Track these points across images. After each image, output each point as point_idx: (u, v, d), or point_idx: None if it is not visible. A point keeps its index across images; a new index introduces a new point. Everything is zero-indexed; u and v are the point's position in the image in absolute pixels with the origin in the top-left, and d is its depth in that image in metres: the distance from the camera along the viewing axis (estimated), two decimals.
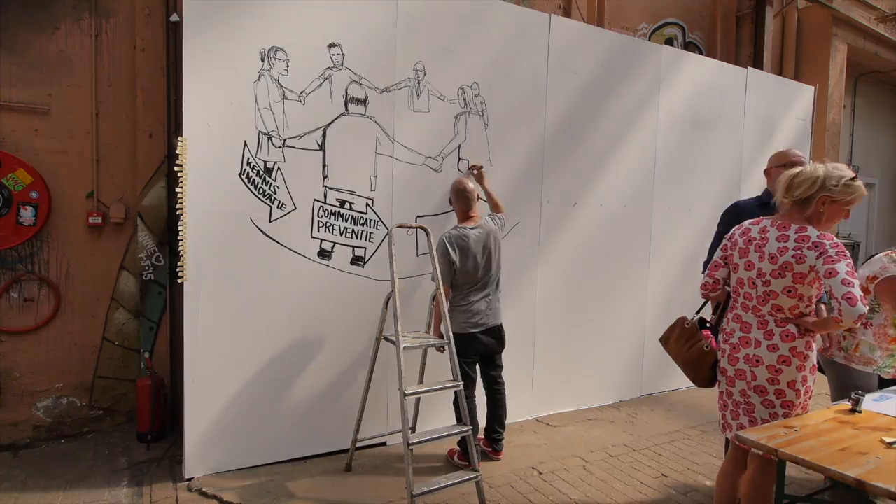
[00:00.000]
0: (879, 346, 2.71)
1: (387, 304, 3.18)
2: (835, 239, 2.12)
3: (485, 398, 3.50)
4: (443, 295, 3.06)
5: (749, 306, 2.31)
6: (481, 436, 3.52)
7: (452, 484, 2.77)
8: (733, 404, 2.36)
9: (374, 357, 3.24)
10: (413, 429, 3.57)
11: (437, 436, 2.87)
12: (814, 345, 2.23)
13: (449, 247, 3.18)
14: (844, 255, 2.07)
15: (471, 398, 3.24)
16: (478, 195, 3.38)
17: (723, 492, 2.44)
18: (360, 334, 3.50)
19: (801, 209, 2.19)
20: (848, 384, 2.74)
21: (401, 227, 3.32)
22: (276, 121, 3.17)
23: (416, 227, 3.48)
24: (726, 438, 2.70)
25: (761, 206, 2.80)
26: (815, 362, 2.26)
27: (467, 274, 3.22)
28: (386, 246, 3.54)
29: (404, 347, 2.86)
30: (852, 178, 2.12)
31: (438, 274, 3.07)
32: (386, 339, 3.15)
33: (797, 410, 2.23)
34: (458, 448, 3.41)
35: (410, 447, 2.70)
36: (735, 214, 2.85)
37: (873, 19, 7.37)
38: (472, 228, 3.25)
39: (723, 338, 2.43)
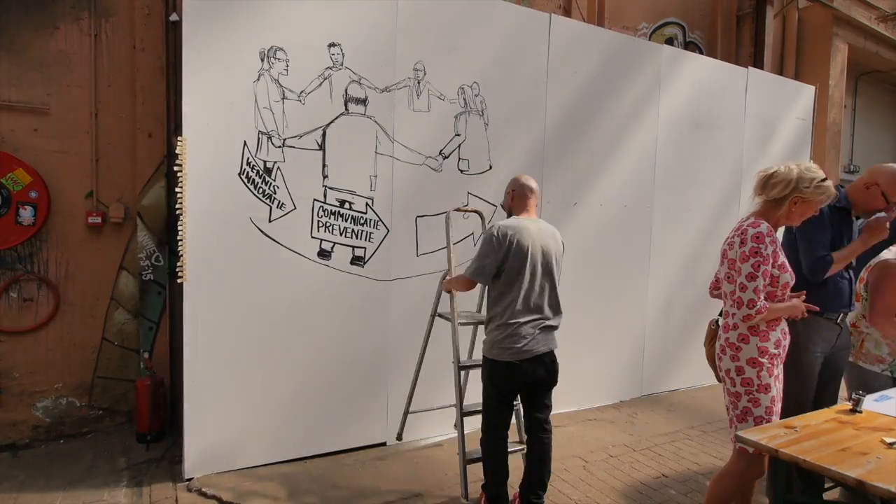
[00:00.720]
0: (885, 341, 2.70)
1: (442, 280, 3.21)
2: (761, 227, 2.19)
3: (525, 447, 2.88)
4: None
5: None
6: (515, 490, 2.83)
7: None
8: None
9: (428, 332, 3.33)
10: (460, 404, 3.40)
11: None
12: (753, 338, 2.22)
13: (499, 235, 2.54)
14: (755, 255, 2.16)
15: (502, 440, 2.67)
16: (540, 198, 3.07)
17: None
18: (361, 334, 3.49)
19: (774, 208, 2.29)
20: (859, 383, 2.73)
21: (458, 210, 3.39)
22: (275, 120, 3.17)
23: (472, 211, 3.47)
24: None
25: (837, 210, 2.66)
26: (758, 355, 2.22)
27: (514, 280, 2.55)
28: (387, 246, 3.54)
29: (459, 323, 2.99)
30: (823, 180, 2.23)
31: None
32: (440, 315, 3.22)
33: (739, 401, 2.25)
34: (484, 494, 2.78)
35: (465, 415, 2.89)
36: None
37: (874, 19, 7.36)
38: (532, 223, 2.66)
39: None
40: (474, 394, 3.62)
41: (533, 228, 2.63)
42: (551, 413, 2.80)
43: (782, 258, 2.25)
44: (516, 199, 2.76)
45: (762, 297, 2.18)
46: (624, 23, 5.71)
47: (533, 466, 2.73)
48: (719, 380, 2.49)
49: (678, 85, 4.74)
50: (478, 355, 3.10)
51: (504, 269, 2.55)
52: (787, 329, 2.33)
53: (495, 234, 2.55)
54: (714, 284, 2.57)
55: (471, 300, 3.50)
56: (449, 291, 2.97)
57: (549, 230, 2.73)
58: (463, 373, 3.13)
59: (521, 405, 2.96)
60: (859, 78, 8.04)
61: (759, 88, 5.29)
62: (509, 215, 2.80)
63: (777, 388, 2.27)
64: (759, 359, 2.21)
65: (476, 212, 3.43)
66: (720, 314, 2.51)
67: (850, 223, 2.69)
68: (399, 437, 3.51)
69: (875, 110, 8.52)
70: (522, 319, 2.56)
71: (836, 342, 2.68)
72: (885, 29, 7.46)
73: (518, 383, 2.62)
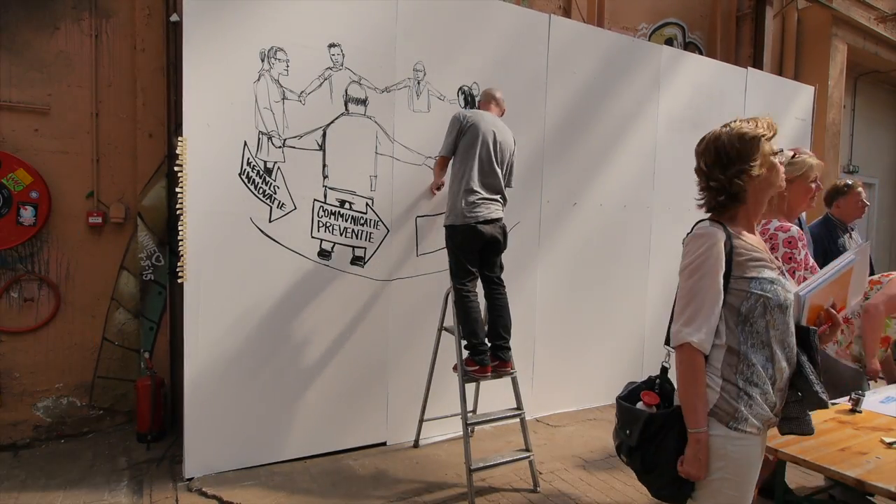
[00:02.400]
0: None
1: (446, 298, 3.40)
2: (792, 230, 2.16)
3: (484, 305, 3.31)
4: (438, 163, 3.30)
5: None
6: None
7: (507, 461, 3.08)
8: None
9: (436, 345, 3.47)
10: (474, 411, 3.71)
11: (491, 418, 3.19)
12: None
13: (459, 116, 3.14)
14: (789, 261, 2.10)
15: (472, 294, 3.14)
16: (503, 105, 3.40)
17: None
18: (360, 334, 3.50)
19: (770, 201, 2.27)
20: (834, 377, 2.74)
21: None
22: (276, 121, 3.17)
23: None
24: None
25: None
26: None
27: (471, 154, 3.07)
28: (387, 246, 3.55)
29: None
30: (793, 156, 2.20)
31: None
32: (446, 329, 3.39)
33: None
34: (466, 352, 3.16)
35: (469, 426, 3.10)
36: None
37: (873, 19, 7.37)
38: (489, 115, 3.23)
39: None
40: (482, 404, 3.68)
41: (487, 117, 3.19)
42: (501, 273, 3.32)
43: (812, 261, 2.19)
44: (482, 103, 3.40)
45: None
46: (623, 23, 5.72)
47: (494, 318, 3.25)
48: None
49: (678, 85, 4.75)
50: None
51: (461, 144, 3.10)
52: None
53: (456, 114, 3.16)
54: None
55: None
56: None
57: (501, 123, 3.25)
58: (470, 385, 3.37)
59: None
60: (858, 78, 8.05)
61: (759, 89, 5.30)
62: None
63: None
64: None
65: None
66: None
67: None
68: (416, 444, 3.61)
69: (874, 110, 8.52)
70: (477, 189, 3.07)
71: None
72: (885, 29, 7.47)
73: (477, 243, 3.10)
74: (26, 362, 3.53)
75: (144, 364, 3.74)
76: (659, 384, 1.62)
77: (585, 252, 4.34)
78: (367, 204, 3.47)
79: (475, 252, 3.15)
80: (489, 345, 3.17)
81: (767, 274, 1.49)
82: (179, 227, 2.99)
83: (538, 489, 3.09)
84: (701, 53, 6.26)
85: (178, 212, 2.99)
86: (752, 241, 1.55)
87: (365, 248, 3.49)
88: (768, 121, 1.57)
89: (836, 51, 6.89)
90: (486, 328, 3.22)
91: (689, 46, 6.27)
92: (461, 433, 3.39)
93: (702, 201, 1.63)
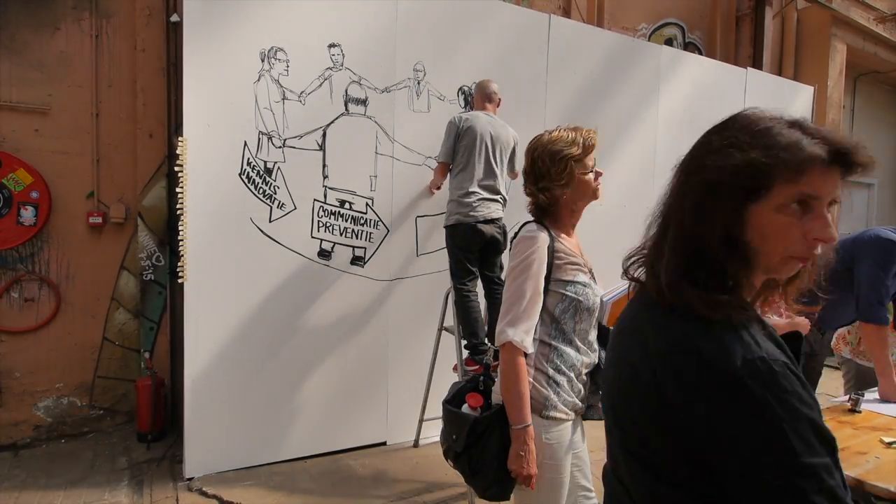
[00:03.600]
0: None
1: (446, 298, 3.40)
2: None
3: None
4: (438, 169, 3.24)
5: None
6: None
7: None
8: None
9: (436, 345, 3.48)
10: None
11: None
12: None
13: (455, 120, 3.13)
14: None
15: (472, 292, 3.14)
16: (499, 100, 3.35)
17: None
18: (360, 334, 3.50)
19: None
20: (857, 378, 2.76)
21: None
22: (276, 121, 3.18)
23: None
24: None
25: None
26: None
27: (469, 156, 3.08)
28: (387, 246, 3.55)
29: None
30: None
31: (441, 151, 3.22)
32: (446, 329, 3.40)
33: None
34: (466, 351, 3.17)
35: None
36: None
37: (872, 20, 7.37)
38: (485, 114, 3.20)
39: None
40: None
41: (482, 117, 3.17)
42: (501, 273, 3.28)
43: None
44: (475, 100, 3.36)
45: None
46: (623, 23, 5.72)
47: (494, 318, 3.12)
48: None
49: (677, 85, 4.75)
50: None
51: (459, 148, 3.09)
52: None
53: (452, 119, 3.15)
54: None
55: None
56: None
57: (500, 122, 3.22)
58: None
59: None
60: (858, 78, 8.05)
61: (758, 89, 5.31)
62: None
63: None
64: None
65: None
66: None
67: None
68: (416, 444, 3.62)
69: (874, 111, 8.53)
70: (476, 190, 3.09)
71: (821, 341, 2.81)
72: (884, 30, 7.47)
73: (477, 242, 3.11)
74: (27, 362, 3.53)
75: (144, 364, 3.74)
76: (483, 381, 1.69)
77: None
78: (367, 204, 3.48)
79: (475, 252, 3.16)
80: (489, 345, 3.18)
81: (581, 278, 1.61)
82: (179, 227, 3.00)
83: None
84: (701, 53, 6.26)
85: (178, 212, 3.00)
86: (570, 244, 1.65)
87: (365, 248, 3.49)
88: (588, 136, 1.63)
89: (836, 51, 6.89)
90: (486, 328, 3.22)
91: (688, 47, 6.27)
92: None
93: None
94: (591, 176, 1.63)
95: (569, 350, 1.57)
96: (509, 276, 1.55)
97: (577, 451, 1.64)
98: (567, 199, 1.61)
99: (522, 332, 1.49)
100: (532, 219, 1.65)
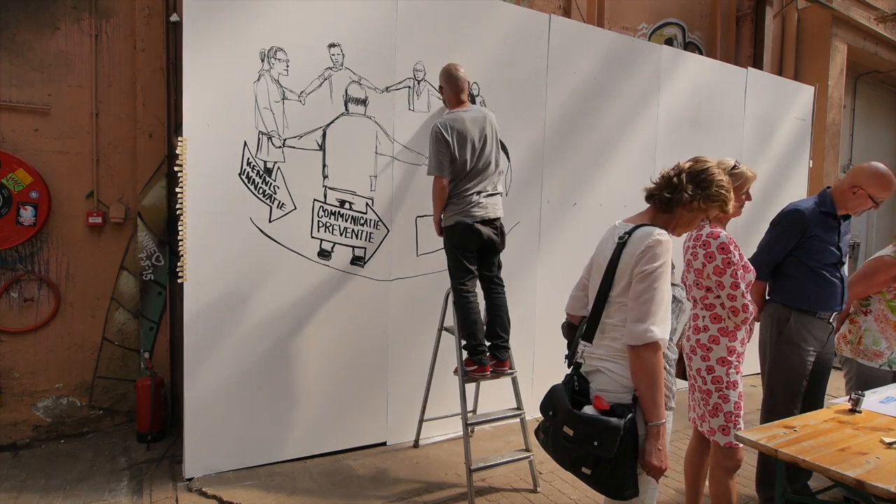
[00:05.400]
0: (884, 335, 2.72)
1: (446, 299, 3.40)
2: (721, 236, 2.23)
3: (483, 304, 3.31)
4: (438, 186, 3.08)
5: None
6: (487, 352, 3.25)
7: (507, 461, 3.09)
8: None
9: (436, 345, 3.49)
10: (474, 411, 3.75)
11: (491, 418, 3.19)
12: (723, 339, 2.27)
13: (444, 131, 3.01)
14: (729, 265, 2.21)
15: (472, 292, 3.14)
16: (469, 83, 3.29)
17: (690, 469, 2.57)
18: (360, 334, 3.50)
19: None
20: (858, 377, 2.76)
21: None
22: (276, 121, 3.17)
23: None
24: None
25: (822, 214, 2.67)
26: (727, 354, 2.27)
27: (463, 161, 3.05)
28: (387, 246, 3.55)
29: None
30: (734, 167, 2.36)
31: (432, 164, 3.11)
32: (446, 329, 3.41)
33: (710, 397, 2.29)
34: (465, 353, 3.16)
35: (469, 426, 3.14)
36: (800, 220, 2.68)
37: (873, 19, 7.37)
38: (464, 111, 3.13)
39: None
40: (483, 404, 3.70)
41: (467, 118, 3.09)
42: (500, 272, 3.31)
43: (745, 259, 2.32)
44: (447, 93, 3.24)
45: (748, 299, 2.24)
46: (623, 23, 5.72)
47: (492, 318, 3.26)
48: (680, 375, 2.54)
49: (678, 85, 4.75)
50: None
51: (455, 156, 3.04)
52: (752, 327, 2.39)
53: (441, 130, 3.02)
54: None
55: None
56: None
57: (480, 116, 3.16)
58: (470, 385, 3.42)
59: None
60: (858, 78, 8.05)
61: (759, 89, 5.30)
62: (445, 104, 3.34)
63: (741, 384, 2.34)
64: (728, 357, 2.27)
65: None
66: None
67: (834, 226, 2.71)
68: (416, 445, 3.63)
69: (874, 110, 8.52)
70: (472, 190, 3.08)
71: (826, 341, 2.72)
72: (884, 29, 7.47)
73: (475, 242, 3.11)
74: (26, 362, 3.53)
75: (144, 364, 3.74)
76: (577, 380, 1.73)
77: (586, 252, 4.31)
78: (367, 204, 3.48)
79: (473, 251, 3.16)
80: (488, 345, 3.17)
81: (678, 281, 1.75)
82: (179, 227, 2.99)
83: (538, 489, 3.10)
84: (701, 53, 6.26)
85: (178, 212, 2.99)
86: None
87: (365, 248, 3.49)
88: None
89: (836, 51, 6.89)
90: (485, 328, 3.22)
91: (689, 46, 6.27)
92: (461, 433, 3.40)
93: (660, 202, 1.77)
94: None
95: (672, 346, 1.73)
96: (647, 278, 1.59)
97: None
98: (695, 208, 1.74)
99: (665, 332, 1.57)
100: (646, 223, 1.72)
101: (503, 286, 3.30)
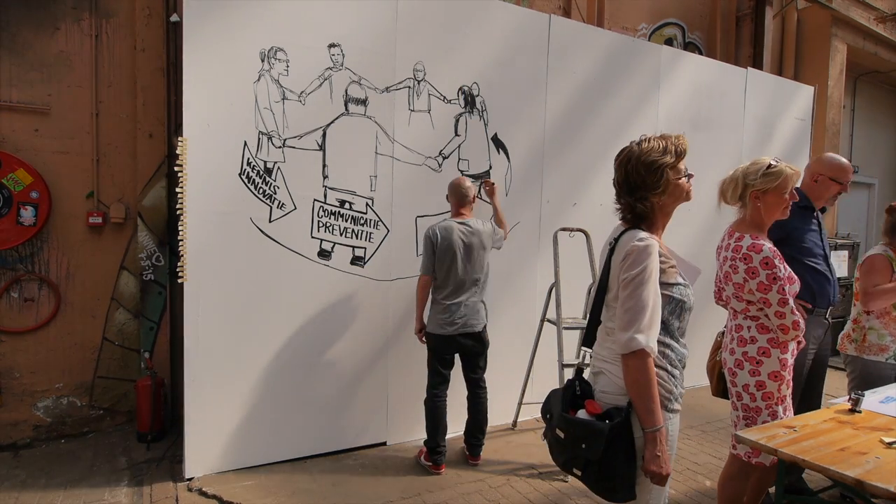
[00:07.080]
0: (888, 329, 2.74)
1: (550, 291, 3.68)
2: (764, 249, 2.12)
3: (465, 403, 3.39)
4: (421, 283, 3.22)
5: (728, 310, 2.38)
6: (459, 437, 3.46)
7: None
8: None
9: (538, 335, 3.79)
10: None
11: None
12: (774, 351, 2.19)
13: (432, 237, 3.15)
14: (775, 281, 2.10)
15: (440, 398, 3.25)
16: (475, 195, 3.35)
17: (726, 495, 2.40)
18: (360, 334, 3.50)
19: (742, 210, 2.30)
20: (862, 375, 2.77)
21: (564, 230, 3.67)
22: (276, 121, 3.18)
23: (577, 231, 3.75)
24: None
25: (800, 209, 2.66)
26: (780, 368, 2.19)
27: (446, 270, 3.16)
28: (387, 246, 3.55)
29: (564, 327, 3.50)
30: (769, 166, 2.19)
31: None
32: (548, 320, 3.65)
33: (759, 416, 2.21)
34: (425, 448, 3.33)
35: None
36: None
37: (872, 20, 7.37)
38: (458, 223, 3.21)
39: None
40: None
41: (456, 229, 3.19)
42: (484, 374, 3.38)
43: (788, 269, 2.21)
44: (451, 202, 3.35)
45: (798, 315, 2.15)
46: (623, 23, 5.72)
47: (472, 416, 3.37)
48: (718, 394, 2.47)
49: (677, 85, 4.75)
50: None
51: (436, 262, 3.15)
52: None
53: (428, 234, 3.18)
54: (718, 293, 2.46)
55: (576, 307, 3.82)
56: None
57: (474, 226, 3.24)
58: (567, 370, 3.47)
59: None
60: (858, 78, 8.05)
61: (759, 89, 5.30)
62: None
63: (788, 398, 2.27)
64: (781, 372, 2.18)
65: (581, 231, 3.76)
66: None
67: (810, 218, 2.75)
68: (514, 425, 3.93)
69: (874, 111, 8.52)
70: (454, 300, 3.18)
71: (823, 337, 2.76)
72: (884, 29, 7.47)
73: (453, 350, 3.24)
74: (26, 362, 3.53)
75: (144, 364, 3.74)
76: (579, 385, 1.70)
77: (586, 252, 4.33)
78: (367, 204, 3.48)
79: (450, 358, 3.27)
80: (445, 448, 3.29)
81: (680, 279, 1.65)
82: (179, 227, 2.99)
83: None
84: (701, 53, 6.26)
85: (178, 212, 3.00)
86: (665, 248, 1.68)
87: (365, 248, 3.49)
88: (678, 142, 1.71)
89: (836, 51, 6.89)
90: (447, 430, 3.30)
91: (688, 46, 6.27)
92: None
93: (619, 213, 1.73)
94: (684, 180, 1.70)
95: (678, 346, 1.66)
96: (629, 285, 1.55)
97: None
98: (663, 204, 1.68)
99: (651, 339, 1.53)
100: (631, 227, 1.67)
101: (486, 389, 3.37)
